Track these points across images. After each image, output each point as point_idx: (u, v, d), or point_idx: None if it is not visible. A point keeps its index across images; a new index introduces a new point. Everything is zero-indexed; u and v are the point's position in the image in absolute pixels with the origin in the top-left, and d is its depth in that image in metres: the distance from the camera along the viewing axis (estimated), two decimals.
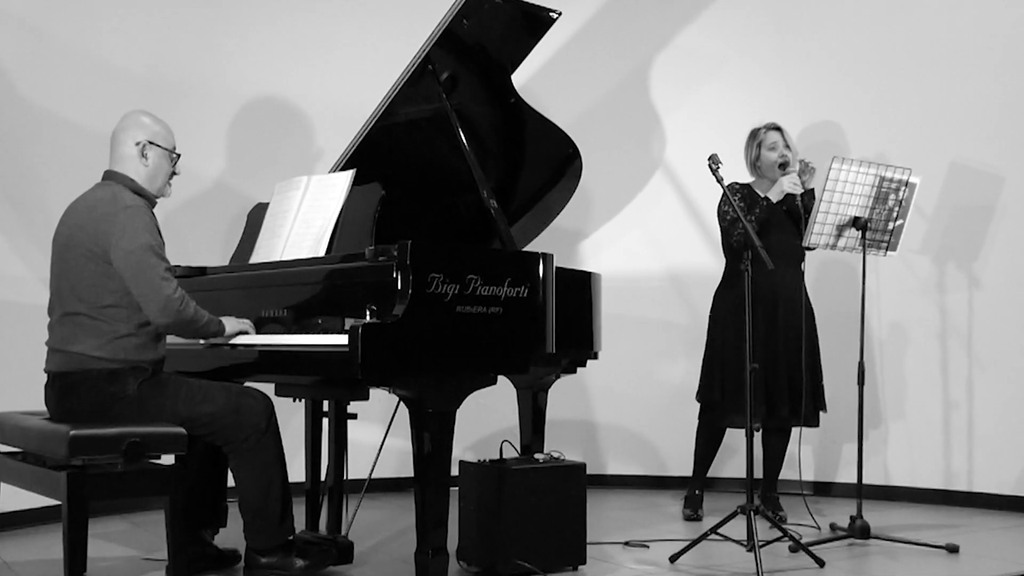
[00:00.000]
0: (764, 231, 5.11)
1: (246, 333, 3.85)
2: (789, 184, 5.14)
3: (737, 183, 5.28)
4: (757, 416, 5.10)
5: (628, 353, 6.50)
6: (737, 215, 4.73)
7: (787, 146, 5.32)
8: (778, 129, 5.35)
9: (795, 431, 5.31)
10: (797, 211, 5.21)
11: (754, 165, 5.37)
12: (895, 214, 4.90)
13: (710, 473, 5.60)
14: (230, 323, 3.81)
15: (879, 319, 6.10)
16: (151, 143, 3.76)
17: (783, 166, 5.21)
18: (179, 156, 3.87)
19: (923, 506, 5.88)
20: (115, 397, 3.55)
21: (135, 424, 3.46)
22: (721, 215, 5.28)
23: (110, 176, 3.76)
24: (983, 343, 5.90)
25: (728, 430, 5.48)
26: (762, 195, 5.22)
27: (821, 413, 5.32)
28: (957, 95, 6.00)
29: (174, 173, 3.86)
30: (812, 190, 5.26)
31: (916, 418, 6.06)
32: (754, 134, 5.39)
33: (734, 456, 6.19)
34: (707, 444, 5.47)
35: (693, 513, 5.41)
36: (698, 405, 5.45)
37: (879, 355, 6.16)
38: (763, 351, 5.09)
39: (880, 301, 6.00)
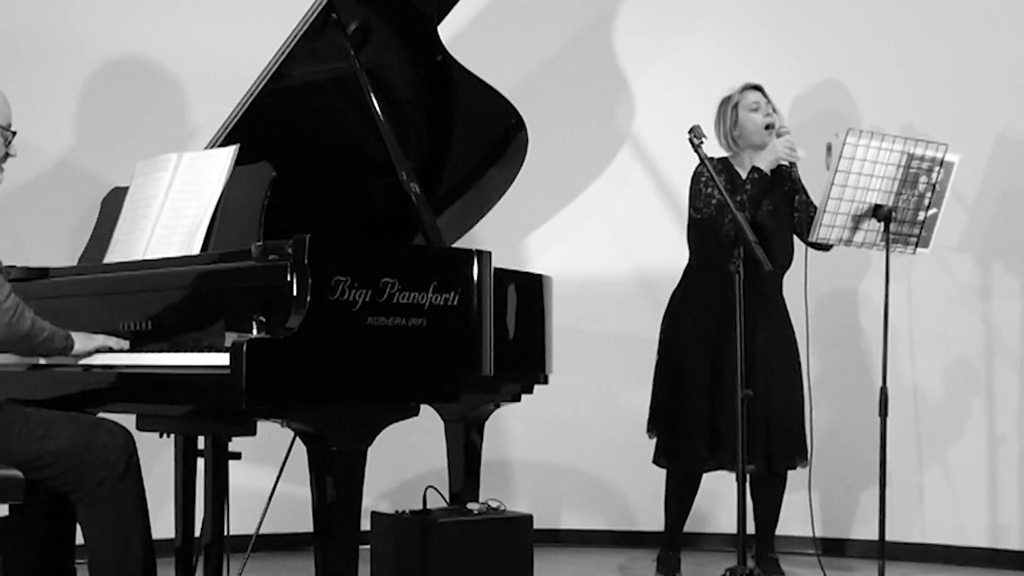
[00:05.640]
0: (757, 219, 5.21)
1: (107, 351, 3.88)
2: (784, 149, 5.18)
3: (714, 157, 5.22)
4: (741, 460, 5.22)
5: (586, 376, 6.52)
6: (724, 198, 4.69)
7: (772, 109, 5.39)
8: (758, 88, 5.42)
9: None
10: (792, 191, 5.33)
11: (731, 136, 5.41)
12: (927, 201, 4.97)
13: (690, 527, 5.63)
14: (80, 340, 3.83)
15: (907, 333, 6.20)
16: None
17: (769, 128, 5.28)
18: (15, 134, 3.90)
19: (964, 569, 5.98)
20: None
21: None
22: (704, 199, 5.24)
23: None
24: None
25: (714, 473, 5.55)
26: (744, 173, 5.29)
27: (800, 462, 5.31)
28: (1005, 53, 6.11)
29: (8, 155, 3.89)
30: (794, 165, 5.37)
31: (954, 458, 6.17)
32: (727, 99, 5.44)
33: (724, 505, 6.22)
34: (680, 494, 5.49)
35: None
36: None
37: (906, 378, 6.24)
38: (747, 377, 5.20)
39: (908, 311, 6.10)
